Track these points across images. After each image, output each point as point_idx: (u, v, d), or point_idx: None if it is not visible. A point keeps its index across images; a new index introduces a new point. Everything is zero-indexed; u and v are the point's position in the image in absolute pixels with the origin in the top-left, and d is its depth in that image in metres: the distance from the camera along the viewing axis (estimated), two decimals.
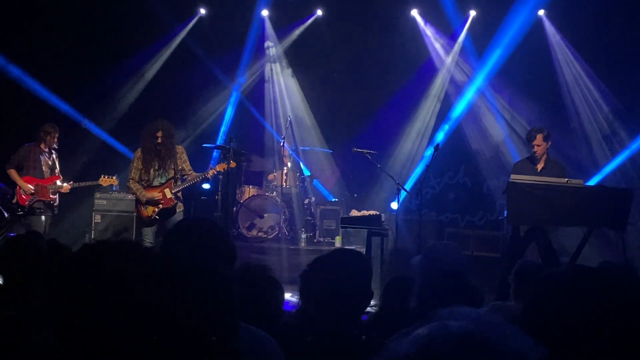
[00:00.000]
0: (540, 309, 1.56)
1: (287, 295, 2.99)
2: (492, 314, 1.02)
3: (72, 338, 1.50)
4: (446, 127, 10.52)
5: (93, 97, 10.06)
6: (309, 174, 9.82)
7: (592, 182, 9.04)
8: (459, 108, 10.64)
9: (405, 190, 7.93)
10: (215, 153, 10.52)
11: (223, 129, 10.96)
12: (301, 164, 10.02)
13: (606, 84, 9.97)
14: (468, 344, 0.88)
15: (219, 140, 10.78)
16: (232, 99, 11.00)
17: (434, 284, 2.67)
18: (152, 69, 10.77)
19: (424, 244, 7.61)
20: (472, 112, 10.69)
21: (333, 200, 10.21)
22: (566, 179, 6.50)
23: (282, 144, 9.31)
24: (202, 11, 10.87)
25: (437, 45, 10.87)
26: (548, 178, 6.51)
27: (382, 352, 0.94)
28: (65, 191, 8.08)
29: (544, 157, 6.94)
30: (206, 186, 9.78)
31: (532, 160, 6.98)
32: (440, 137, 10.28)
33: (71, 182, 8.11)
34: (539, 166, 6.92)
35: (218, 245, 2.52)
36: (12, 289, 3.03)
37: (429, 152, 7.46)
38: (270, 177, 9.62)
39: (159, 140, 7.13)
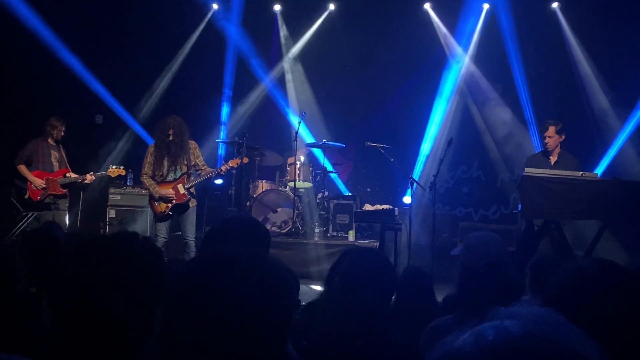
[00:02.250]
0: (562, 303, 1.53)
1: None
2: (553, 313, 0.97)
3: (73, 332, 1.50)
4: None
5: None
6: (329, 168, 9.82)
7: (598, 169, 9.08)
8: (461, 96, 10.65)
9: (419, 184, 7.91)
10: (221, 149, 10.61)
11: (224, 118, 11.05)
12: (320, 158, 9.99)
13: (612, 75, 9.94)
14: (535, 348, 0.83)
15: (222, 136, 10.87)
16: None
17: (476, 273, 2.66)
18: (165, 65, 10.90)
19: (437, 238, 7.60)
20: (484, 105, 10.65)
21: (348, 194, 10.19)
22: (581, 172, 6.44)
23: (294, 138, 9.31)
24: (215, 6, 10.91)
25: (450, 39, 10.81)
26: (562, 171, 6.45)
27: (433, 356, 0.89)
28: (88, 182, 8.17)
29: (558, 151, 6.88)
30: (219, 181, 9.81)
31: (545, 153, 6.92)
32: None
33: (92, 173, 8.18)
34: (552, 159, 6.86)
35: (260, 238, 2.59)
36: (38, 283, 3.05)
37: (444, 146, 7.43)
38: (290, 160, 9.51)
39: (170, 138, 7.18)
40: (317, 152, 10.06)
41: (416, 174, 10.14)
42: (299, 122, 9.22)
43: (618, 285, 1.53)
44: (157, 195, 7.23)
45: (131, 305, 1.49)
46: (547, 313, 0.98)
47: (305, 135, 10.39)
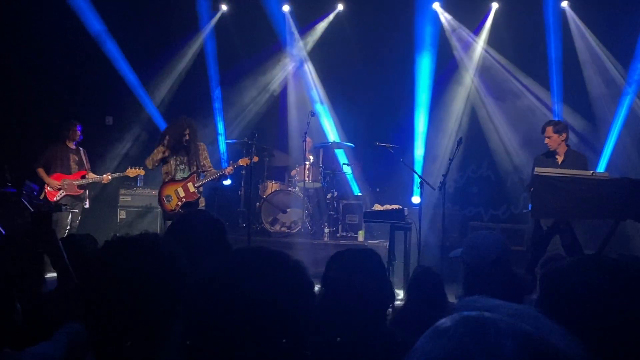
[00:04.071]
0: (556, 298, 1.53)
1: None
2: (530, 307, 0.96)
3: (100, 331, 1.52)
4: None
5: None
6: (345, 169, 9.83)
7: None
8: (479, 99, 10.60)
9: (428, 184, 7.89)
10: (223, 150, 10.66)
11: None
12: (329, 158, 9.99)
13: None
14: (512, 343, 0.82)
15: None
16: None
17: (480, 273, 2.65)
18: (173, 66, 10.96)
19: (447, 238, 7.58)
20: (494, 104, 10.61)
21: (358, 194, 10.18)
22: (591, 172, 6.40)
23: (304, 139, 9.32)
24: (224, 7, 10.94)
25: (459, 38, 10.78)
26: (573, 171, 6.42)
27: (413, 352, 0.88)
28: (105, 182, 8.41)
29: (564, 150, 6.84)
30: (227, 182, 9.83)
31: (551, 153, 6.88)
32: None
33: (109, 173, 8.42)
34: (559, 159, 6.82)
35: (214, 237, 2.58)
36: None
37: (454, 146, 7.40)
38: (293, 172, 9.63)
39: (187, 138, 7.31)
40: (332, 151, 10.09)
41: (418, 169, 10.15)
42: (308, 123, 9.22)
43: (612, 281, 1.51)
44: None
45: (154, 303, 1.52)
46: (525, 309, 0.98)
47: (314, 135, 10.37)
